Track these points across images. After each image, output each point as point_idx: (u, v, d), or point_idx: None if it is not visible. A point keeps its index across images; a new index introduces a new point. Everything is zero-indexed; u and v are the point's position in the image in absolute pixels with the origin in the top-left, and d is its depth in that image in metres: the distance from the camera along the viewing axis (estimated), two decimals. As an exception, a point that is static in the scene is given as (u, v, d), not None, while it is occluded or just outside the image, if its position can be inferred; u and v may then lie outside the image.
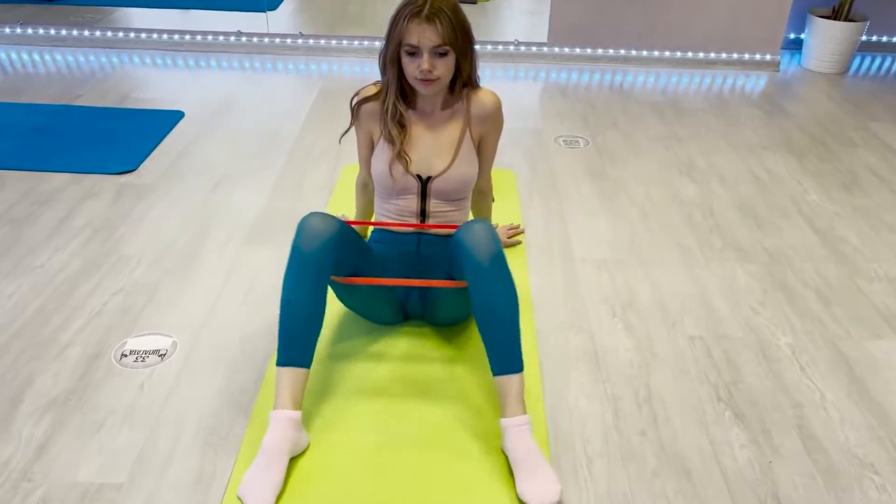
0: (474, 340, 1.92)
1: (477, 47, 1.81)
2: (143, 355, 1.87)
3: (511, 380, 1.57)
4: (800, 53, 4.20)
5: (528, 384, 1.77)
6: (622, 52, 3.99)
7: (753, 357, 1.93)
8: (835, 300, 2.17)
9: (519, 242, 2.37)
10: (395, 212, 1.91)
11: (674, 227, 2.50)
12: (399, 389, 1.77)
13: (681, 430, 1.70)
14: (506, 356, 1.58)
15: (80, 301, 2.06)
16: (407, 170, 1.84)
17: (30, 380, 1.78)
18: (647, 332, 2.01)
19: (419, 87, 1.75)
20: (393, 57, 1.75)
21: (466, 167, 1.88)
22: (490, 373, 1.60)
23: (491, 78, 3.84)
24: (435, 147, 1.85)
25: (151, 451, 1.60)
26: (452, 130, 1.86)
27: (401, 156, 1.83)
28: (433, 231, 1.91)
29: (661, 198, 2.68)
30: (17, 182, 2.65)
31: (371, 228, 2.05)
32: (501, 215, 2.50)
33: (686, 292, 2.17)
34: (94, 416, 1.69)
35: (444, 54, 1.70)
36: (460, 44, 1.72)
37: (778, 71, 4.02)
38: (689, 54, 4.00)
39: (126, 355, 1.87)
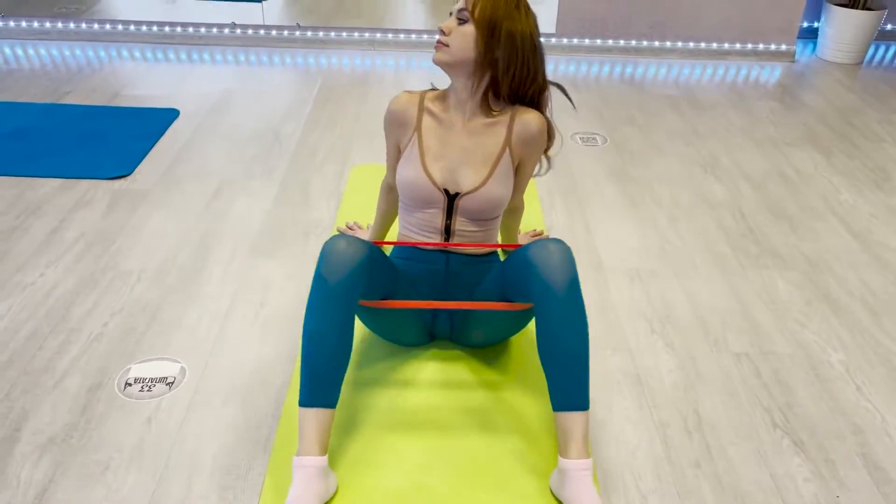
0: (509, 364, 1.78)
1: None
2: (150, 384, 1.72)
3: (576, 417, 1.43)
4: (815, 43, 4.07)
5: (569, 412, 1.63)
6: (633, 42, 3.85)
7: (805, 376, 1.81)
8: (882, 311, 2.05)
9: (544, 251, 2.23)
10: (417, 225, 1.75)
11: (705, 233, 2.37)
12: (433, 419, 1.63)
13: (738, 462, 1.57)
14: (572, 391, 1.44)
15: (77, 323, 1.90)
16: (431, 180, 1.68)
17: (25, 415, 1.62)
18: (689, 350, 1.88)
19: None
20: None
21: (501, 188, 1.71)
22: (533, 402, 1.47)
23: (497, 70, 3.68)
24: (467, 160, 1.68)
25: (163, 496, 1.45)
26: (490, 146, 1.69)
27: (424, 163, 1.68)
28: (462, 249, 1.76)
29: (688, 200, 2.55)
30: (2, 189, 2.48)
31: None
32: (523, 221, 2.36)
33: (725, 304, 2.04)
34: (97, 455, 1.53)
35: (464, 22, 1.56)
36: (484, 23, 1.55)
37: (794, 61, 3.90)
38: (703, 45, 3.86)
39: (130, 384, 1.72)
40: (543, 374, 1.72)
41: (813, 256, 2.27)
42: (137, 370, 1.76)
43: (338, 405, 1.63)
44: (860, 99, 3.46)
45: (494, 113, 1.67)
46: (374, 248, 1.52)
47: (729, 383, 1.78)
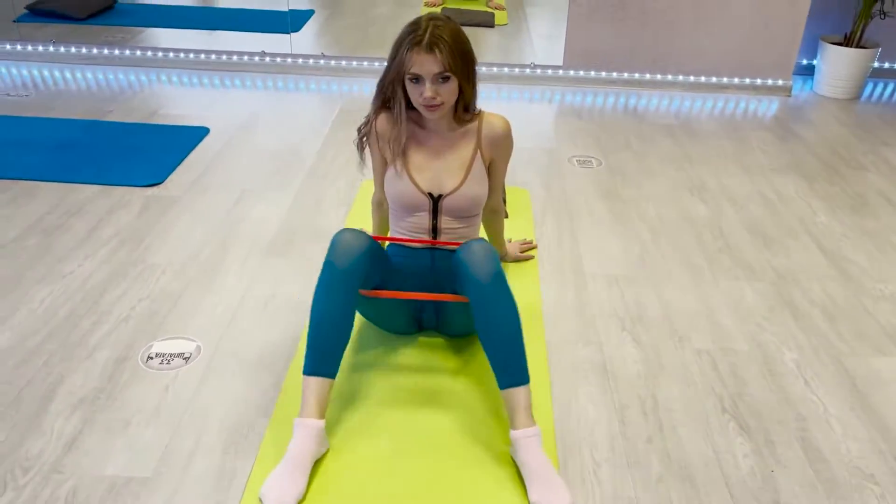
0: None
1: (482, 69, 1.88)
2: (169, 358, 1.95)
3: (518, 392, 1.63)
4: (812, 79, 4.26)
5: (536, 393, 1.83)
6: (636, 75, 4.07)
7: (759, 371, 1.98)
8: (840, 318, 2.21)
9: (532, 257, 2.44)
10: (408, 229, 1.98)
11: (683, 246, 2.55)
12: (415, 398, 1.84)
13: (686, 439, 1.75)
14: (511, 369, 1.64)
15: (108, 307, 2.14)
16: (418, 188, 1.91)
17: (60, 379, 1.86)
18: (654, 346, 2.06)
19: (424, 113, 1.81)
20: (396, 82, 1.82)
21: (477, 187, 1.95)
22: None
23: (507, 99, 3.93)
24: (446, 166, 1.92)
25: (175, 449, 1.67)
26: (464, 150, 1.93)
27: (410, 174, 1.91)
28: (446, 247, 1.98)
29: (672, 217, 2.74)
30: (49, 193, 2.76)
31: (386, 243, 2.13)
32: (515, 231, 2.58)
33: (694, 308, 2.23)
34: (121, 414, 1.76)
35: (446, 79, 1.77)
36: (460, 68, 1.77)
37: (790, 96, 4.09)
38: (703, 78, 4.07)
39: (152, 358, 1.95)
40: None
41: (782, 270, 2.44)
42: (158, 347, 1.99)
43: (335, 384, 1.84)
44: (850, 132, 3.64)
45: (464, 122, 1.91)
46: (374, 242, 1.76)
47: (687, 374, 1.96)
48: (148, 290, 2.22)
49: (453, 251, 1.97)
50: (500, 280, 1.64)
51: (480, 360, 1.96)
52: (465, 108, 1.90)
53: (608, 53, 4.03)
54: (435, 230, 1.96)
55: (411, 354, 1.98)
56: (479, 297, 1.64)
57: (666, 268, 2.43)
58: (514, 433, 1.61)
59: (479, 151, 1.94)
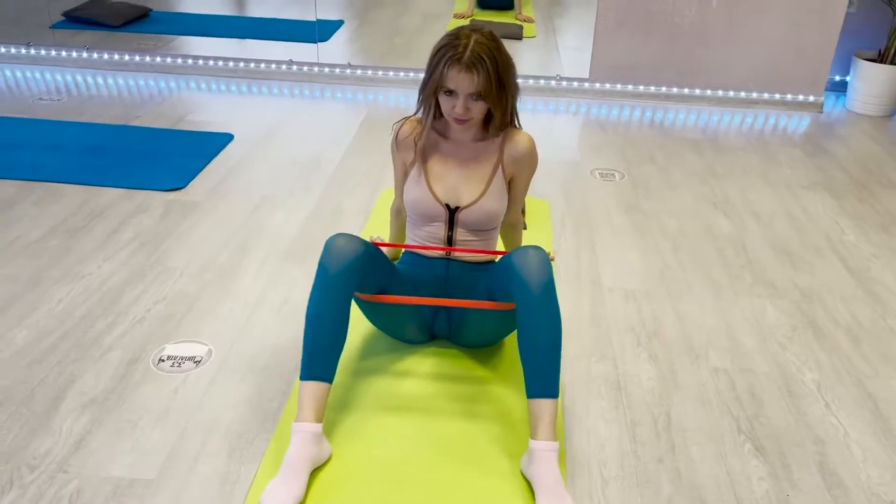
0: (500, 363, 1.96)
1: (520, 86, 1.86)
2: (180, 361, 1.95)
3: (545, 404, 1.61)
4: (845, 96, 4.18)
5: (548, 406, 1.80)
6: (663, 89, 4.03)
7: (777, 392, 1.93)
8: (865, 339, 2.15)
9: (549, 270, 2.41)
10: (423, 238, 1.97)
11: (704, 262, 2.51)
12: (423, 406, 1.82)
13: (699, 460, 1.70)
14: (543, 380, 1.62)
15: (125, 308, 2.16)
16: (436, 198, 1.90)
17: (73, 379, 1.88)
18: (670, 363, 2.02)
19: (453, 124, 1.82)
20: (431, 91, 1.81)
21: (495, 202, 1.92)
22: (516, 396, 1.64)
23: (532, 111, 3.91)
24: (465, 179, 1.91)
25: (181, 452, 1.67)
26: (485, 165, 1.91)
27: (429, 183, 1.90)
28: (461, 257, 1.96)
29: (694, 232, 2.70)
30: (74, 195, 2.80)
31: (401, 252, 2.11)
32: (533, 243, 2.54)
33: (713, 325, 2.18)
34: (130, 415, 1.77)
35: (479, 98, 1.76)
36: (494, 93, 1.75)
37: (821, 112, 4.01)
38: (731, 93, 4.02)
39: (163, 360, 1.95)
40: (517, 376, 1.89)
41: (806, 289, 2.39)
42: (171, 349, 2.00)
43: (341, 388, 1.84)
44: (884, 149, 3.55)
45: (488, 136, 1.90)
46: (370, 246, 1.74)
47: (703, 393, 1.91)
48: (164, 293, 2.23)
49: (468, 262, 1.96)
50: (550, 290, 1.63)
51: (492, 369, 1.93)
52: (496, 125, 1.88)
53: (635, 66, 3.99)
54: (450, 242, 1.95)
55: (421, 361, 1.96)
56: (528, 303, 1.62)
57: (685, 283, 2.38)
58: (533, 443, 1.59)
59: (500, 167, 1.92)
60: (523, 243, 2.30)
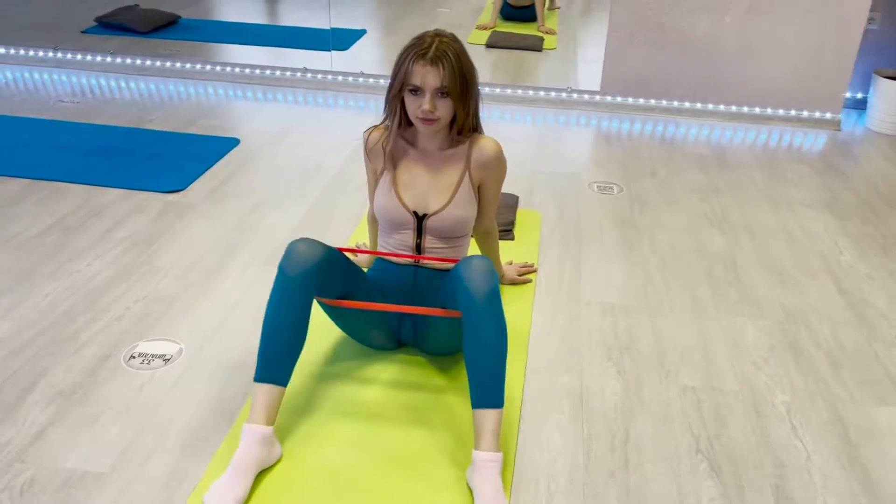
0: (461, 372, 1.96)
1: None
2: (150, 358, 2.00)
3: (490, 414, 1.60)
4: (865, 113, 4.08)
5: (505, 417, 1.79)
6: (675, 103, 3.98)
7: (744, 412, 1.89)
8: (846, 363, 2.09)
9: (529, 281, 2.40)
10: (393, 245, 1.98)
11: (690, 278, 2.47)
12: (380, 413, 1.82)
13: (651, 477, 1.67)
14: (488, 390, 1.61)
15: (106, 305, 2.21)
16: (403, 205, 1.91)
17: (44, 372, 1.93)
18: (638, 379, 1.99)
19: (419, 126, 1.83)
20: (396, 94, 1.84)
21: (462, 209, 1.93)
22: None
23: (542, 123, 3.90)
24: (433, 186, 1.92)
25: (135, 447, 1.70)
26: (452, 172, 1.93)
27: (397, 191, 1.91)
28: (429, 264, 1.96)
29: (685, 248, 2.66)
30: (76, 195, 2.88)
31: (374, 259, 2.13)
32: (519, 254, 2.55)
33: (688, 343, 2.14)
34: (92, 409, 1.81)
35: (445, 95, 1.78)
36: (458, 90, 1.78)
37: (839, 130, 3.92)
38: (745, 109, 3.95)
39: (134, 357, 2.00)
40: (483, 381, 1.89)
41: (792, 309, 2.33)
42: (143, 347, 2.04)
43: (300, 392, 1.86)
44: (898, 169, 3.46)
45: (455, 143, 1.91)
46: (333, 252, 1.75)
47: (666, 411, 1.88)
48: (146, 292, 2.28)
49: (437, 270, 1.96)
50: (494, 299, 1.62)
51: (452, 378, 1.93)
52: (458, 130, 1.90)
53: (646, 80, 3.96)
54: (419, 249, 1.96)
55: (385, 368, 1.97)
56: (472, 312, 1.62)
57: (667, 299, 2.35)
58: (476, 454, 1.58)
59: (467, 173, 1.93)
60: (501, 254, 2.31)
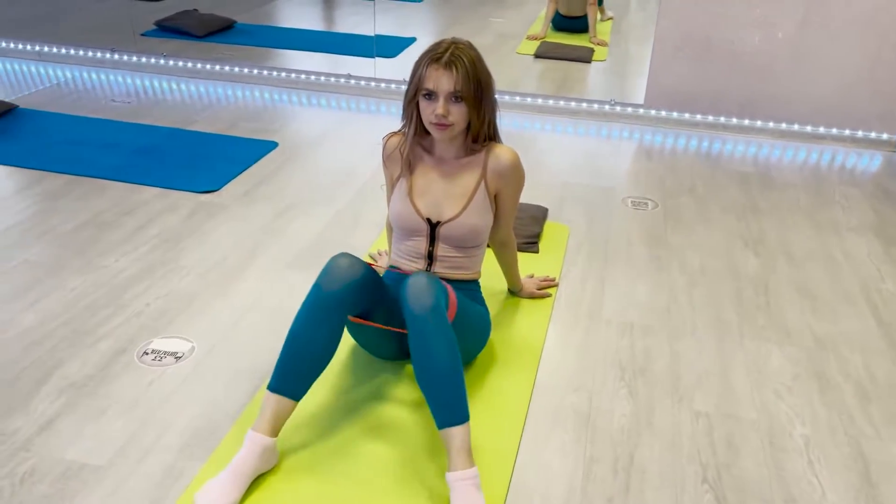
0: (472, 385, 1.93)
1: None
2: (162, 355, 2.03)
3: (455, 432, 1.57)
4: (925, 135, 3.89)
5: (505, 433, 1.76)
6: (721, 119, 3.87)
7: (758, 443, 1.80)
8: (875, 397, 1.98)
9: (548, 295, 2.35)
10: (406, 252, 1.97)
11: (718, 301, 2.38)
12: (382, 426, 1.81)
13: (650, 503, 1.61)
14: (448, 408, 1.58)
15: (128, 301, 2.26)
16: (417, 212, 1.90)
17: (60, 363, 1.98)
18: (649, 401, 1.93)
19: (433, 131, 1.82)
20: (412, 99, 1.83)
21: (477, 217, 1.91)
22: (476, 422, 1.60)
23: (584, 136, 3.84)
24: (447, 193, 1.90)
25: (136, 442, 1.73)
26: (468, 180, 1.91)
27: (412, 197, 1.90)
28: (441, 274, 1.94)
29: (716, 269, 2.57)
30: (115, 192, 2.96)
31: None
32: (542, 267, 2.50)
33: (706, 367, 2.07)
34: (101, 402, 1.85)
35: (458, 100, 1.77)
36: (472, 95, 1.77)
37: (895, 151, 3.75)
38: (795, 126, 3.81)
39: (147, 353, 2.03)
40: (482, 399, 1.86)
41: (823, 336, 2.23)
42: (157, 343, 2.07)
43: (305, 399, 1.84)
44: (956, 194, 3.28)
45: (472, 151, 1.89)
46: (370, 271, 1.74)
47: (676, 436, 1.81)
48: (168, 289, 2.32)
49: (449, 280, 1.94)
50: (436, 314, 1.59)
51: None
52: (474, 138, 1.89)
53: (692, 95, 3.86)
54: (431, 257, 1.94)
55: (390, 381, 1.95)
56: (414, 330, 1.60)
57: (690, 321, 2.27)
58: (449, 476, 1.55)
59: (483, 182, 1.91)
60: (519, 266, 2.28)
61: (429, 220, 1.91)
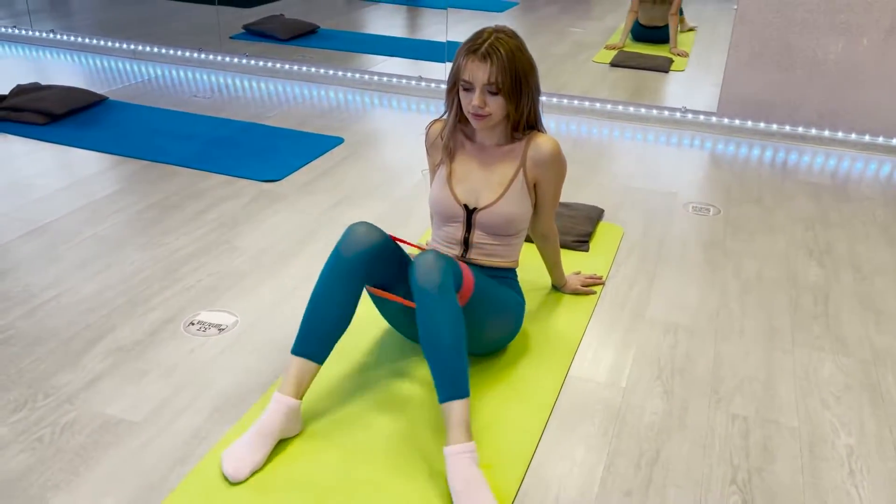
0: (500, 371, 1.92)
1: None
2: (207, 326, 2.10)
3: (456, 406, 1.57)
4: None
5: (530, 423, 1.75)
6: (799, 129, 3.72)
7: (796, 449, 1.72)
8: (933, 413, 1.86)
9: (592, 293, 2.31)
10: (443, 238, 1.98)
11: (771, 307, 2.29)
12: (407, 404, 1.82)
13: (671, 501, 1.56)
14: (450, 382, 1.59)
15: (181, 276, 2.36)
16: (455, 197, 1.91)
17: (112, 328, 2.08)
18: (684, 402, 1.87)
19: (472, 121, 1.83)
20: (453, 88, 1.85)
21: (514, 206, 1.90)
22: (490, 408, 1.60)
23: (653, 143, 3.76)
24: (486, 180, 1.91)
25: (171, 403, 1.80)
26: (506, 168, 1.91)
27: (450, 183, 1.92)
28: (477, 261, 1.94)
29: (773, 276, 2.47)
30: (185, 177, 3.09)
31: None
32: (590, 266, 2.46)
33: (750, 372, 1.98)
34: (143, 365, 1.93)
35: (495, 93, 1.77)
36: (509, 86, 1.77)
37: None
38: (880, 139, 3.63)
39: (193, 324, 2.11)
40: (510, 386, 1.85)
41: (882, 350, 2.10)
42: (204, 316, 2.15)
43: (333, 374, 1.88)
44: None
45: (513, 139, 1.89)
46: (389, 240, 1.78)
47: (708, 437, 1.75)
48: (219, 268, 2.41)
49: (484, 266, 1.94)
50: (444, 291, 1.60)
51: (490, 378, 1.89)
52: (514, 126, 1.89)
53: (768, 104, 3.73)
54: (466, 243, 1.95)
55: (420, 364, 1.96)
56: (422, 305, 1.61)
57: (739, 325, 2.19)
58: (445, 450, 1.55)
59: (522, 171, 1.91)
60: (581, 268, 2.26)
61: (466, 207, 1.92)
